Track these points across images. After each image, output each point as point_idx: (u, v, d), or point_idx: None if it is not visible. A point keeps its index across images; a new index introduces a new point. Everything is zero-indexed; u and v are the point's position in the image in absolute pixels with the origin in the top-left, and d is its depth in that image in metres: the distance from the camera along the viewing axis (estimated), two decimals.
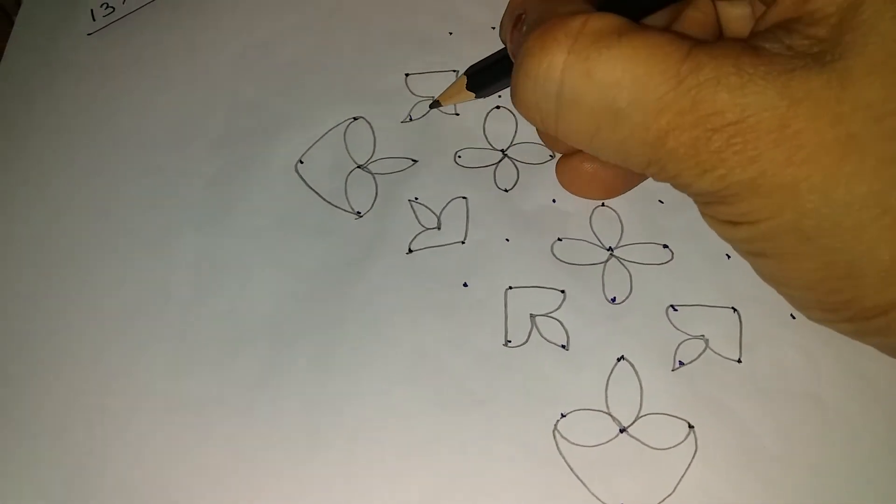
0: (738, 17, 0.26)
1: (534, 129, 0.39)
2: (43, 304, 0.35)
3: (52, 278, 0.36)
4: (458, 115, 0.39)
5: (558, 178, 0.29)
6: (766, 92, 0.19)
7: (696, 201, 0.23)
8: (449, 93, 0.32)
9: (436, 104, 0.33)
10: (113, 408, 0.33)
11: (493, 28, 0.41)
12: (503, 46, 0.27)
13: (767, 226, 0.20)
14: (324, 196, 0.37)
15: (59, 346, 0.34)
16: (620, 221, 0.36)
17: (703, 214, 0.23)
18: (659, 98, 0.19)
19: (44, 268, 0.36)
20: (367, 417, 0.32)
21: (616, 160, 0.22)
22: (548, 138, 0.28)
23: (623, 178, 0.28)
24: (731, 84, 0.19)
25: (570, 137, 0.22)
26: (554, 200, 0.37)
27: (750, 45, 0.20)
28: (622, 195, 0.30)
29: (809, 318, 0.23)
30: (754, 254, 0.22)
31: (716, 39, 0.26)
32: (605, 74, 0.20)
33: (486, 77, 0.30)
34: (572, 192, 0.29)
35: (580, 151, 0.28)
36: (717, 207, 0.21)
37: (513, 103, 0.23)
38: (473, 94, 0.31)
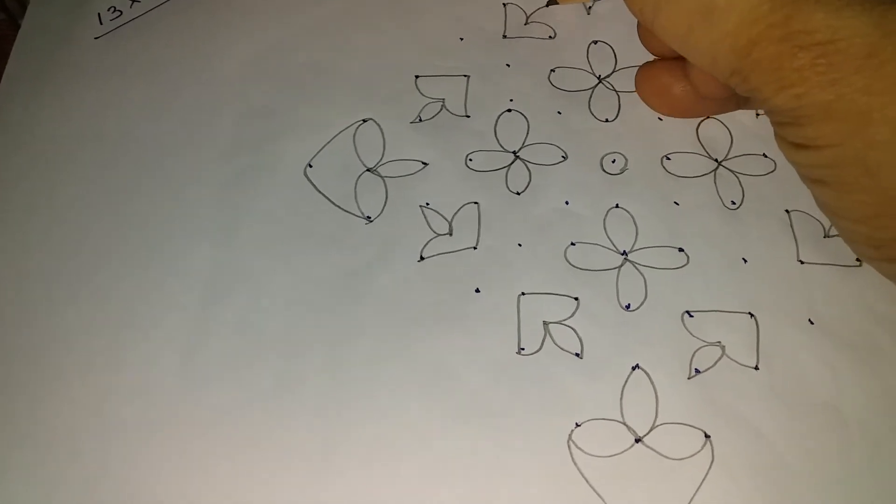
0: None
1: (546, 128, 0.38)
2: (52, 314, 0.35)
3: (60, 288, 0.36)
4: (468, 116, 0.38)
5: (637, 80, 0.30)
6: (861, 18, 0.19)
7: (771, 120, 0.23)
8: None
9: (553, 2, 0.32)
10: (124, 419, 0.33)
11: (505, 36, 0.41)
12: None
13: (833, 153, 0.20)
14: (333, 200, 0.37)
15: (70, 357, 0.34)
16: (635, 224, 0.35)
17: (776, 135, 0.23)
18: (755, 7, 0.20)
19: (51, 277, 0.36)
20: (379, 428, 0.32)
21: (704, 64, 0.23)
22: (645, 35, 0.28)
23: (695, 101, 0.29)
24: (829, 5, 0.19)
25: (665, 32, 0.23)
26: (567, 202, 0.36)
27: None
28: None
29: (855, 251, 0.24)
30: (814, 180, 0.22)
31: None
32: None
33: None
34: (645, 102, 0.30)
35: (663, 61, 0.28)
36: (789, 128, 0.22)
37: None
38: None
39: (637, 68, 0.29)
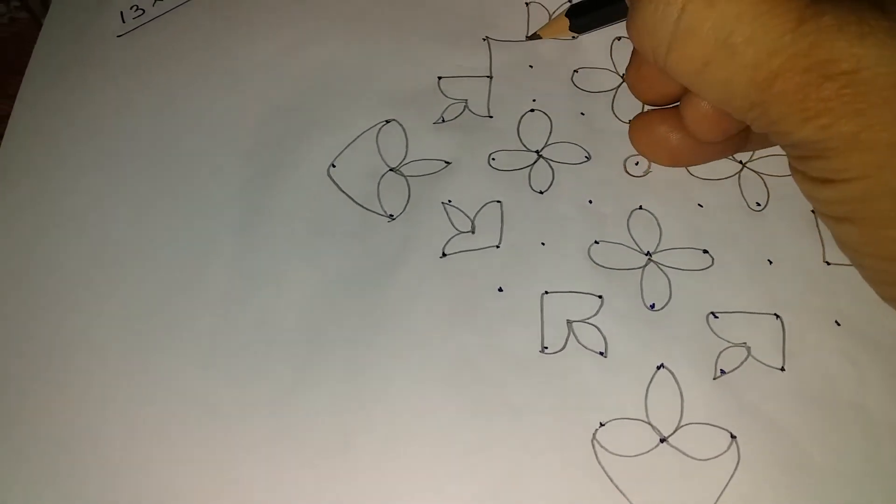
0: None
1: (569, 128, 0.38)
2: (77, 311, 0.35)
3: (84, 284, 0.36)
4: (491, 116, 0.38)
5: (631, 135, 0.29)
6: (886, 47, 0.18)
7: (789, 154, 0.23)
8: (549, 26, 0.32)
9: (534, 36, 0.32)
10: (146, 414, 0.33)
11: (526, 38, 0.41)
12: None
13: (863, 185, 0.20)
14: (356, 200, 0.37)
15: (94, 353, 0.34)
16: (658, 225, 0.35)
17: (794, 170, 0.23)
18: (776, 38, 0.19)
19: (73, 274, 0.36)
20: (402, 424, 0.32)
21: (719, 100, 0.22)
22: (641, 81, 0.28)
23: (693, 149, 0.28)
24: (852, 33, 0.19)
25: (678, 69, 0.22)
26: (590, 202, 0.36)
27: (876, 1, 0.19)
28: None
29: (883, 295, 0.23)
30: (840, 218, 0.22)
31: None
32: (728, 6, 0.20)
33: (587, 12, 0.30)
34: (641, 153, 0.29)
35: (658, 111, 0.28)
36: (811, 162, 0.21)
37: (627, 29, 0.23)
38: (568, 28, 0.31)
39: (629, 122, 0.29)
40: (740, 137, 0.28)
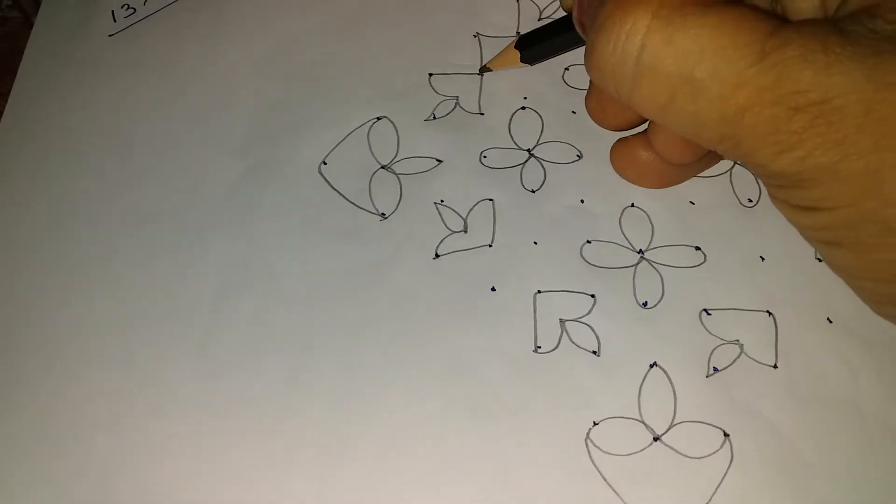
0: (806, 10, 0.25)
1: (561, 126, 0.38)
2: (68, 308, 0.35)
3: (73, 281, 0.36)
4: (482, 114, 0.38)
5: (612, 161, 0.29)
6: (853, 73, 0.18)
7: (766, 184, 0.22)
8: (499, 58, 0.31)
9: (485, 69, 0.32)
10: (138, 412, 0.33)
11: (518, 33, 0.41)
12: (554, 20, 0.27)
13: (846, 213, 0.19)
14: (348, 197, 0.37)
15: (85, 350, 0.34)
16: (651, 222, 0.35)
17: (773, 198, 0.23)
18: (740, 72, 0.19)
19: (66, 272, 0.36)
20: (393, 423, 0.32)
21: (688, 133, 0.22)
22: (602, 111, 0.27)
23: (676, 170, 0.28)
24: (818, 63, 0.18)
25: (643, 106, 0.22)
26: (582, 201, 0.36)
27: (837, 27, 0.19)
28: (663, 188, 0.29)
29: (880, 313, 0.23)
30: (828, 242, 0.21)
31: None
32: (687, 42, 0.20)
33: (536, 43, 0.29)
34: (624, 178, 0.29)
35: (636, 136, 0.27)
36: (791, 191, 0.21)
37: (586, 67, 0.23)
38: (519, 60, 0.30)
39: (612, 146, 0.28)
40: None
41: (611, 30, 0.21)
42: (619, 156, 0.28)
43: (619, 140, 0.28)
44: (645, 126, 0.31)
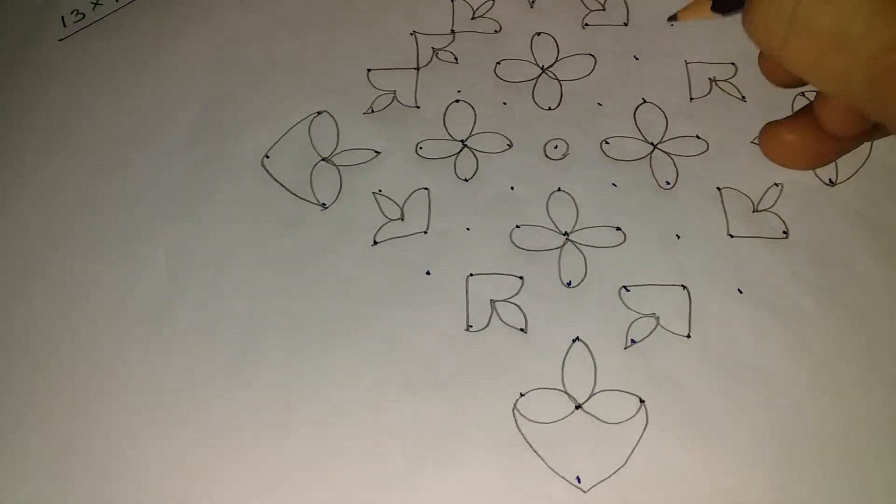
0: None
1: (492, 117, 0.40)
2: (22, 298, 0.37)
3: (29, 273, 0.37)
4: (418, 107, 0.40)
5: (761, 144, 0.29)
6: None
7: None
8: (690, 8, 0.31)
9: (674, 17, 0.32)
10: (93, 394, 0.34)
11: (453, 31, 0.43)
12: None
13: None
14: (290, 189, 0.39)
15: (40, 337, 0.36)
16: (576, 205, 0.37)
17: None
18: (894, 34, 0.19)
19: (20, 263, 0.38)
20: (338, 400, 0.34)
21: (836, 91, 0.22)
22: (765, 67, 0.28)
23: (827, 148, 0.28)
24: None
25: (793, 63, 0.22)
26: (512, 188, 0.38)
27: None
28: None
29: None
30: None
31: None
32: (842, 1, 0.20)
33: None
34: (773, 161, 0.28)
35: (783, 121, 0.28)
36: None
37: (743, 23, 0.23)
38: (710, 9, 0.30)
39: (761, 129, 0.29)
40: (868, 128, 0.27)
41: None
42: (768, 139, 0.28)
43: (767, 124, 0.29)
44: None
